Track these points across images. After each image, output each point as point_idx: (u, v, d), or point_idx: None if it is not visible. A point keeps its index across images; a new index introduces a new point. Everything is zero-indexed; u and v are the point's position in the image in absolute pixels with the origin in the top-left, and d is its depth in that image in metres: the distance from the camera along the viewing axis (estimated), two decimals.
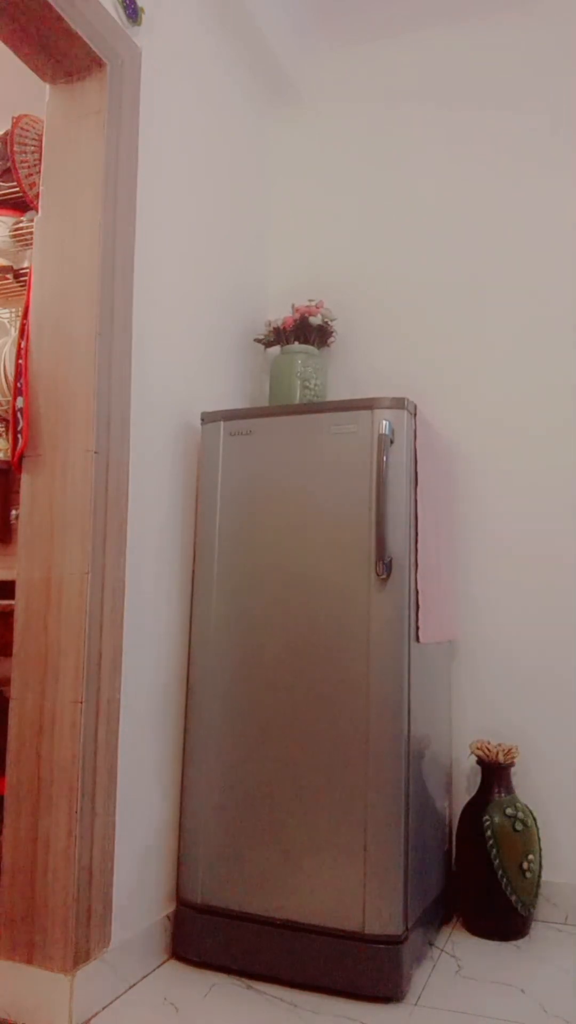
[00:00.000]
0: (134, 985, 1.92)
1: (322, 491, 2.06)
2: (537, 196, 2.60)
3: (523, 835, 2.19)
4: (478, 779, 2.39)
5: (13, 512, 2.83)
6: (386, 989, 1.84)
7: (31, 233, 2.61)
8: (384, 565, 1.95)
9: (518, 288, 2.59)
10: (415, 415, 2.09)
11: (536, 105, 2.63)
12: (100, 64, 1.96)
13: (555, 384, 2.51)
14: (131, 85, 2.05)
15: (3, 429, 2.83)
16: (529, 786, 2.40)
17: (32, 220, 2.51)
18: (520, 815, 2.20)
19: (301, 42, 2.88)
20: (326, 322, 2.58)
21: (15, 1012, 1.75)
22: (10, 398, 2.09)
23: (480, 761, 2.29)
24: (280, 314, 2.86)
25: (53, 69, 1.98)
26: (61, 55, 1.94)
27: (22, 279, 2.71)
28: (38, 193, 2.09)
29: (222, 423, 2.19)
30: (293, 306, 2.63)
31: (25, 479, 1.93)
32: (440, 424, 2.62)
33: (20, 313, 2.78)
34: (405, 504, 2.01)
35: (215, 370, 2.46)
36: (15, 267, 2.71)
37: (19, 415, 1.94)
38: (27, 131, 2.51)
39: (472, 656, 2.49)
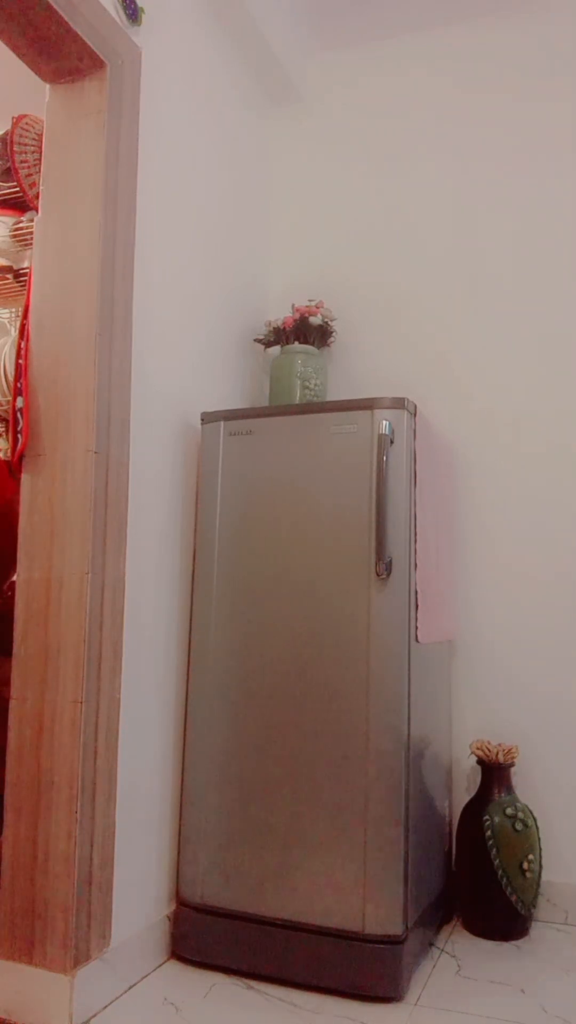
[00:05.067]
0: (134, 985, 1.92)
1: (322, 491, 2.05)
2: (538, 197, 2.60)
3: (523, 835, 2.19)
4: (478, 779, 2.39)
5: None
6: (386, 989, 1.84)
7: (31, 233, 2.61)
8: (384, 565, 1.95)
9: (519, 288, 2.58)
10: (415, 415, 2.09)
11: (538, 106, 2.62)
12: (100, 64, 1.96)
13: (556, 384, 2.51)
14: (131, 85, 2.05)
15: (3, 429, 2.83)
16: (529, 786, 2.40)
17: (32, 220, 2.51)
18: (520, 815, 2.20)
19: (302, 42, 2.88)
20: (326, 322, 2.58)
21: (15, 1012, 1.75)
22: (10, 398, 2.09)
23: (480, 761, 2.29)
24: (280, 314, 2.86)
25: (53, 69, 1.98)
26: (61, 55, 1.94)
27: (22, 279, 2.71)
28: (38, 193, 2.09)
29: (222, 423, 2.19)
30: (293, 306, 2.63)
31: (25, 479, 1.93)
32: (440, 424, 2.62)
33: (20, 313, 2.78)
34: (405, 504, 2.01)
35: (215, 370, 2.46)
36: (15, 267, 2.71)
37: (19, 415, 1.94)
38: (27, 131, 2.51)
39: (472, 656, 2.49)
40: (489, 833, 2.18)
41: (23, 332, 1.97)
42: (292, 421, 2.12)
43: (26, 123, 2.52)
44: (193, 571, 2.24)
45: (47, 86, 2.03)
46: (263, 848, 1.99)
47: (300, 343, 2.57)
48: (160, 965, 2.03)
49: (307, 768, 1.97)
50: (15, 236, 2.68)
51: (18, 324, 2.16)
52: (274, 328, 2.60)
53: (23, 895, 1.79)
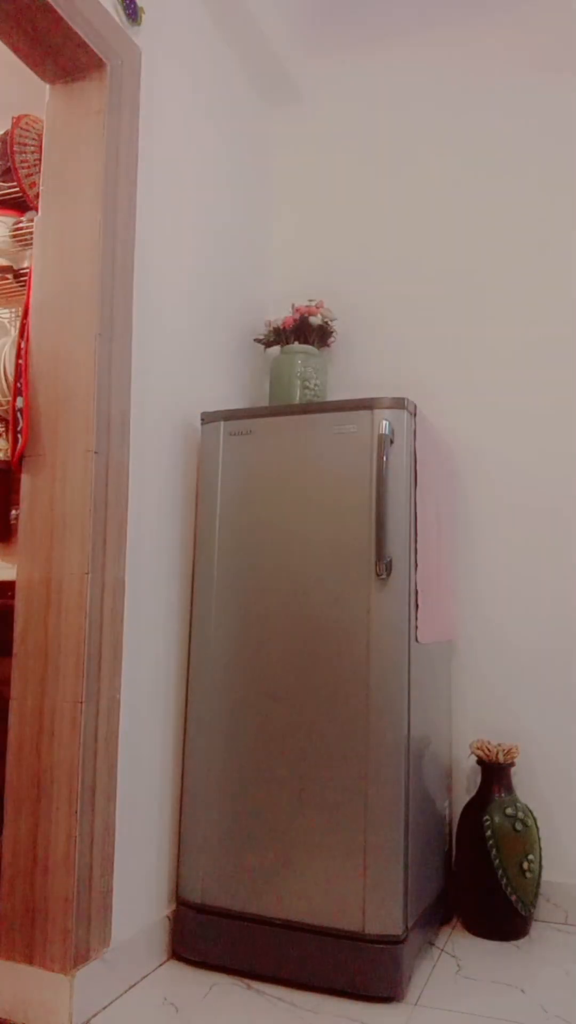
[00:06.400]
0: (134, 985, 1.92)
1: (322, 491, 2.05)
2: (537, 197, 2.60)
3: (523, 835, 2.19)
4: (478, 779, 2.39)
5: (13, 512, 2.83)
6: (386, 989, 1.84)
7: (31, 233, 2.61)
8: (384, 565, 1.95)
9: (518, 288, 2.58)
10: (415, 415, 2.09)
11: (537, 107, 2.62)
12: (100, 64, 1.96)
13: (555, 382, 2.51)
14: (131, 85, 2.05)
15: (3, 429, 2.83)
16: (529, 786, 2.39)
17: (32, 220, 2.51)
18: (520, 815, 2.20)
19: (302, 43, 2.88)
20: (326, 322, 2.58)
21: (15, 1012, 1.75)
22: (10, 398, 2.09)
23: (480, 761, 2.29)
24: (280, 314, 2.86)
25: (53, 69, 1.98)
26: (61, 55, 1.94)
27: (22, 279, 2.71)
28: (38, 193, 2.09)
29: (222, 423, 2.19)
30: (293, 306, 2.63)
31: (25, 479, 1.93)
32: (440, 424, 2.62)
33: (20, 313, 2.78)
34: (405, 504, 2.01)
35: (215, 370, 2.46)
36: (15, 267, 2.71)
37: (19, 415, 1.94)
38: (27, 131, 2.51)
39: (473, 655, 2.49)
40: (489, 833, 2.18)
41: (23, 332, 1.97)
42: (292, 421, 2.12)
43: (26, 123, 2.52)
44: (193, 571, 2.24)
45: (47, 86, 2.03)
46: (263, 848, 1.99)
47: (300, 343, 2.57)
48: (160, 965, 2.03)
49: (307, 768, 1.97)
50: (15, 236, 2.68)
51: (18, 324, 2.16)
52: (274, 328, 2.60)
53: (23, 895, 1.79)
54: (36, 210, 2.20)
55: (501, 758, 2.27)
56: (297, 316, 2.57)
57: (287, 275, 2.88)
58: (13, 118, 2.52)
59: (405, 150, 2.78)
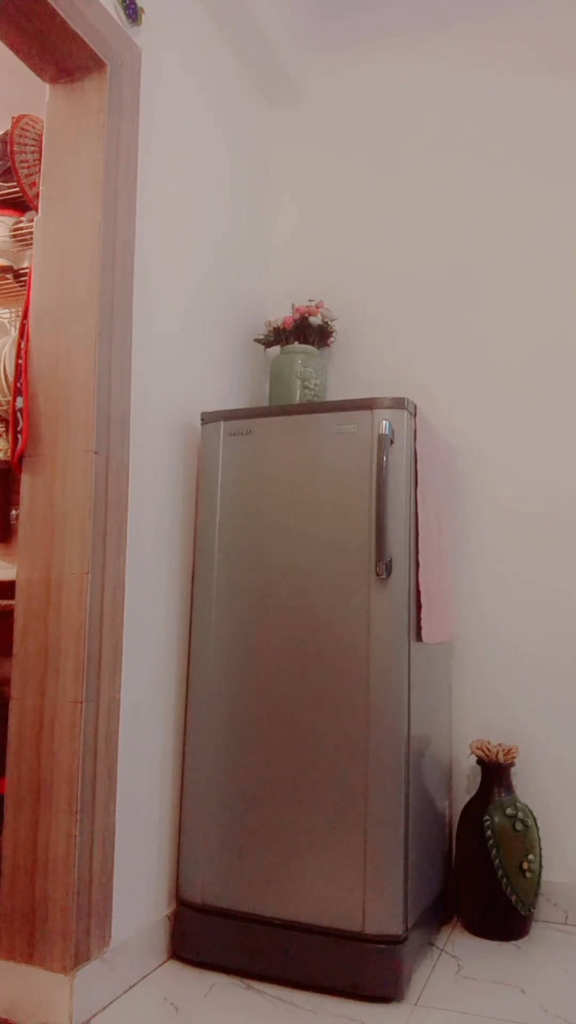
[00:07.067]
0: (134, 985, 1.92)
1: (322, 491, 2.05)
2: (536, 197, 2.60)
3: (523, 835, 2.19)
4: (478, 779, 2.39)
5: (13, 512, 2.83)
6: (386, 989, 1.84)
7: (31, 233, 2.61)
8: (384, 565, 1.95)
9: (517, 288, 2.58)
10: (415, 415, 2.09)
11: (540, 108, 2.62)
12: (100, 64, 1.97)
13: (555, 382, 2.51)
14: (131, 85, 2.05)
15: (3, 429, 2.83)
16: (529, 786, 2.39)
17: (32, 220, 2.51)
18: (520, 815, 2.20)
19: (302, 44, 2.88)
20: (326, 322, 2.58)
21: (15, 1012, 1.75)
22: (10, 398, 2.09)
23: (480, 761, 2.29)
24: (280, 314, 2.86)
25: (53, 69, 1.99)
26: (61, 55, 1.94)
27: (22, 279, 2.71)
28: (38, 193, 2.09)
29: (222, 423, 2.19)
30: (293, 306, 2.63)
31: (25, 479, 1.93)
32: (440, 423, 2.62)
33: (20, 313, 2.78)
34: (405, 504, 2.01)
35: (215, 370, 2.46)
36: (15, 267, 2.71)
37: (19, 415, 1.94)
38: (27, 131, 2.51)
39: (472, 655, 2.49)
40: (489, 833, 2.18)
41: (23, 332, 1.97)
42: (292, 421, 2.12)
43: (26, 123, 2.52)
44: (193, 571, 2.24)
45: (47, 86, 2.03)
46: (263, 848, 1.99)
47: (300, 343, 2.57)
48: (160, 965, 2.03)
49: (307, 768, 1.97)
50: (15, 236, 2.68)
51: (18, 324, 2.16)
52: (274, 328, 2.60)
53: (23, 895, 1.79)
54: (36, 210, 2.20)
55: (501, 758, 2.27)
56: (297, 316, 2.57)
57: (287, 275, 2.88)
58: (13, 118, 2.51)
59: (405, 149, 2.78)
